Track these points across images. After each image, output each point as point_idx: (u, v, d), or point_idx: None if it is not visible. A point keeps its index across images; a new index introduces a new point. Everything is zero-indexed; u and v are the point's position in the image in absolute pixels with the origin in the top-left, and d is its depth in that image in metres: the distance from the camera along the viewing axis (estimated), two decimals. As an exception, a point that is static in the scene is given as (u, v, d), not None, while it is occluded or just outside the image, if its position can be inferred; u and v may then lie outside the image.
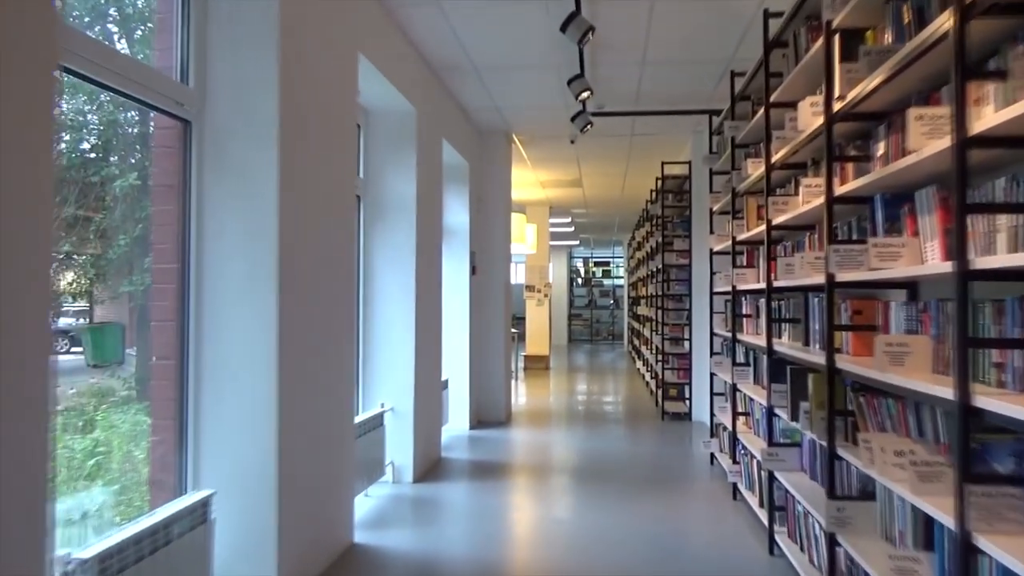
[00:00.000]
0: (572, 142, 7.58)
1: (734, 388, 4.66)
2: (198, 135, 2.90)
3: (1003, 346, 1.80)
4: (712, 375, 5.53)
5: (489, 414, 7.51)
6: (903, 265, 2.21)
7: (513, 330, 10.64)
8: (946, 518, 1.85)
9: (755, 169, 4.01)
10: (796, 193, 3.59)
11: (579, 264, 23.35)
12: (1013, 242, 1.72)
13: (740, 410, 4.68)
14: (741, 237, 4.48)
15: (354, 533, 3.83)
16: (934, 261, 2.08)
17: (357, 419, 4.29)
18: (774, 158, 3.57)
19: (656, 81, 5.70)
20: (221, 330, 2.89)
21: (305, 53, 3.17)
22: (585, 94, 4.82)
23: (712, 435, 5.59)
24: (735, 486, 4.63)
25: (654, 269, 9.38)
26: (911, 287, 2.65)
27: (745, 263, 4.62)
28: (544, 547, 3.83)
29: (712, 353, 5.53)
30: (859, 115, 2.60)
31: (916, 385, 1.99)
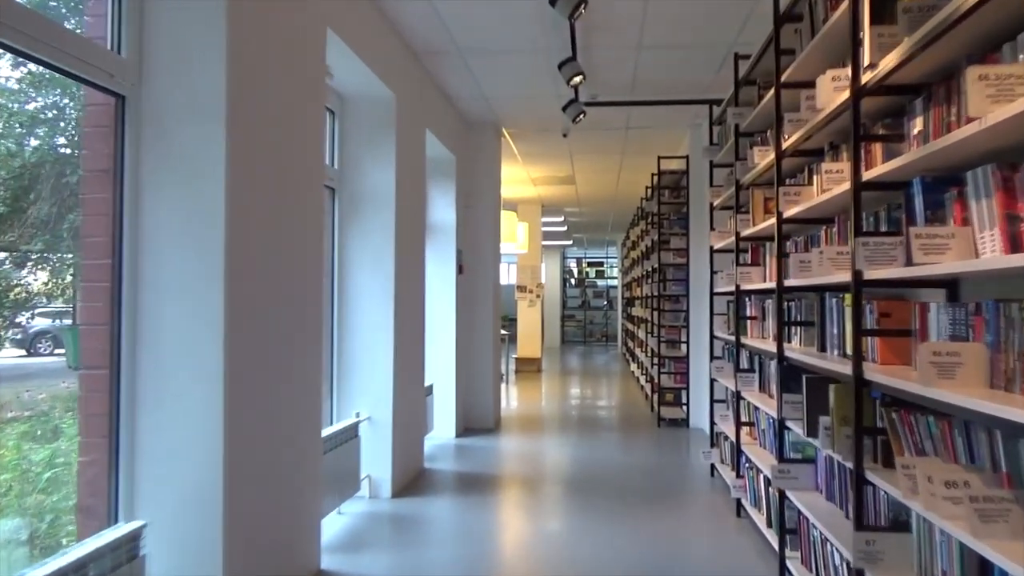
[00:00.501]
0: (564, 135, 7.25)
1: (737, 396, 4.31)
2: (134, 112, 2.54)
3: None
4: (712, 381, 5.18)
5: (477, 421, 7.14)
6: (951, 259, 1.86)
7: (504, 332, 10.30)
8: (1017, 569, 1.50)
9: (763, 158, 3.67)
10: (809, 183, 3.25)
11: (572, 264, 23.04)
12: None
13: (744, 419, 4.33)
14: (746, 233, 4.13)
15: (321, 558, 3.46)
16: (993, 254, 1.73)
17: (327, 431, 3.92)
18: (785, 144, 3.22)
19: (653, 68, 5.35)
20: (160, 335, 2.52)
21: (260, 21, 2.80)
22: (577, 78, 4.47)
23: (712, 445, 5.25)
24: (739, 502, 4.28)
25: (650, 269, 9.04)
26: (951, 286, 2.30)
27: (750, 261, 4.27)
28: (533, 571, 3.47)
29: (712, 357, 5.19)
30: (892, 87, 2.26)
31: (979, 405, 1.64)
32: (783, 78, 3.28)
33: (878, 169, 2.26)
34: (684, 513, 4.39)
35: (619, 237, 18.56)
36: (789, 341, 3.43)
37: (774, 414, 3.43)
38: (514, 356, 13.10)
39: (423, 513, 4.36)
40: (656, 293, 8.05)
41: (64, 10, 2.82)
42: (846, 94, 2.44)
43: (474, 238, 7.17)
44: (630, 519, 4.21)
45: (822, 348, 3.01)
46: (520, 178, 10.04)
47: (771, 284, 3.55)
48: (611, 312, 21.61)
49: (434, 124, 5.78)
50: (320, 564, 3.43)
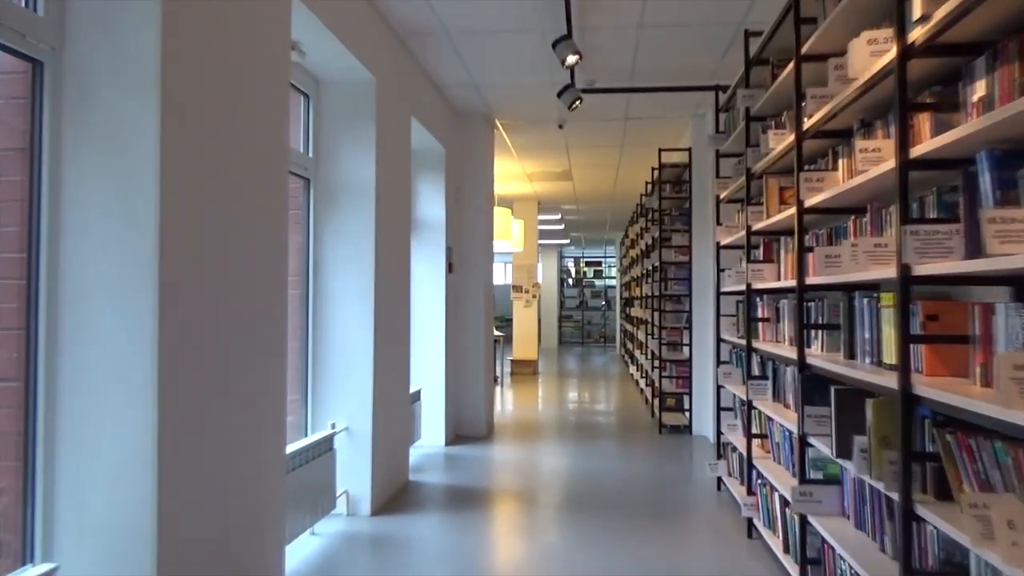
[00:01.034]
0: (560, 127, 6.90)
1: (748, 405, 3.95)
2: (53, 80, 2.17)
3: None
4: (719, 387, 4.82)
5: (468, 428, 6.77)
6: (1035, 249, 1.50)
7: (499, 333, 9.93)
8: None
9: (779, 142, 3.30)
10: (834, 167, 2.89)
11: (570, 264, 22.66)
12: None
13: (755, 431, 3.96)
14: (758, 227, 3.77)
15: (286, 589, 3.09)
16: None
17: (295, 445, 3.55)
18: (808, 123, 2.86)
19: (655, 51, 4.98)
20: (82, 341, 2.15)
21: (207, -20, 2.43)
22: (573, 59, 4.10)
23: (719, 456, 4.88)
24: (750, 521, 3.91)
25: (650, 267, 8.67)
26: (1018, 283, 1.94)
27: (762, 257, 3.91)
28: (522, 605, 3.11)
29: (719, 362, 4.82)
30: (947, 47, 1.89)
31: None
32: (804, 50, 2.91)
33: (929, 143, 1.90)
34: (690, 532, 4.02)
35: (617, 236, 18.20)
36: (809, 346, 3.07)
37: (792, 427, 3.07)
38: (509, 358, 12.75)
39: (405, 532, 3.99)
40: (657, 293, 7.69)
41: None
42: (888, 57, 2.07)
43: (465, 235, 6.79)
44: (631, 539, 3.84)
45: (851, 355, 2.64)
46: (515, 173, 9.67)
47: (789, 282, 3.19)
48: (609, 312, 21.24)
49: (421, 113, 5.42)
50: (285, 596, 3.07)
